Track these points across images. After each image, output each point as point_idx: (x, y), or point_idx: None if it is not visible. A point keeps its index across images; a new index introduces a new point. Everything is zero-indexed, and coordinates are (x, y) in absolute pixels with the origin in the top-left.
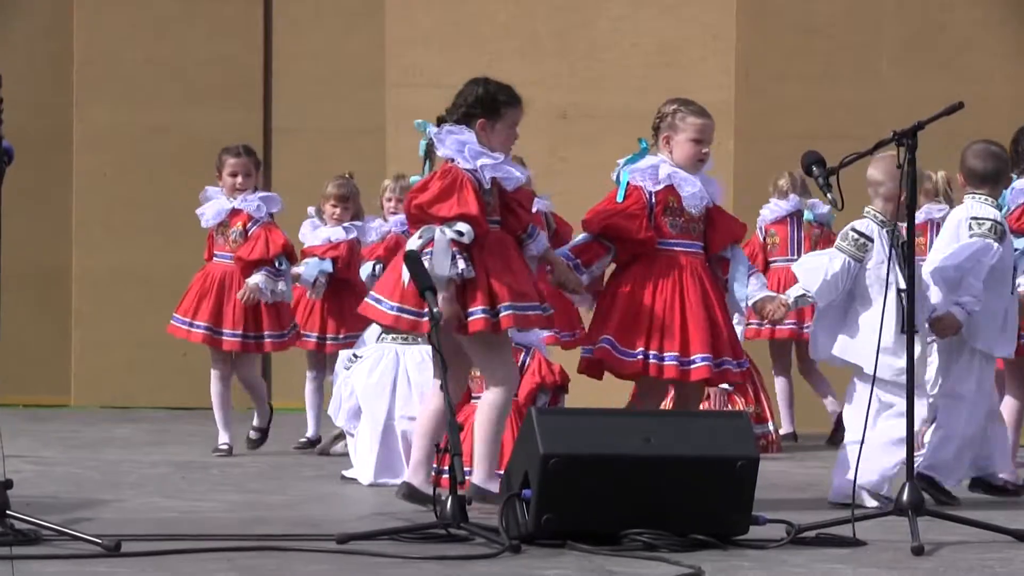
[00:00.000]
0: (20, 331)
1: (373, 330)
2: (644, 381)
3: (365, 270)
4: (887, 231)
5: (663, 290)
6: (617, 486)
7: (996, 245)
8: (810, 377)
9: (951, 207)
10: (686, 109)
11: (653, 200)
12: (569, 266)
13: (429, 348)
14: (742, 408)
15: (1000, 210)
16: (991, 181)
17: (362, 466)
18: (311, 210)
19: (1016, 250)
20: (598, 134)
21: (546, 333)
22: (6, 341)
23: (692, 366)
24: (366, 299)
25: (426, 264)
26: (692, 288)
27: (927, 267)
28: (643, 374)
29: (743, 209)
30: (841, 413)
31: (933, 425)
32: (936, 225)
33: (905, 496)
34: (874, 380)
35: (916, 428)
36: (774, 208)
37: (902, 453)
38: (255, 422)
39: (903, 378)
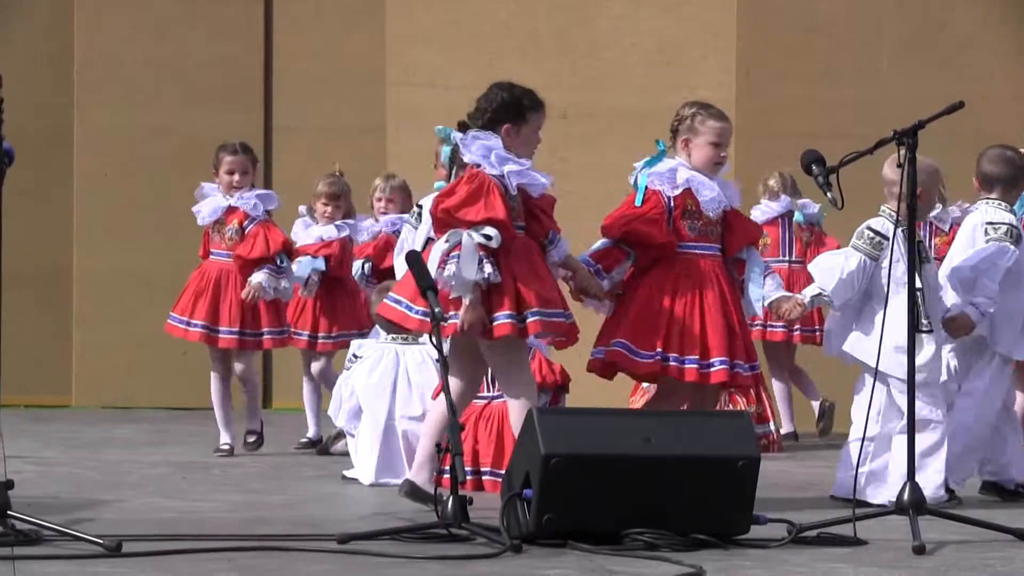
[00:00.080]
0: (21, 332)
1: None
2: (665, 383)
3: (355, 269)
4: (902, 230)
5: (682, 293)
6: (618, 486)
7: (1012, 248)
8: (795, 377)
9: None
10: (705, 112)
11: (672, 204)
12: (590, 272)
13: (429, 348)
14: (743, 408)
15: (1015, 215)
16: (1006, 185)
17: (363, 466)
18: (302, 209)
19: None
20: (598, 133)
21: None
22: (7, 342)
23: (711, 369)
24: (386, 301)
25: (453, 268)
26: (711, 291)
27: (943, 270)
28: (661, 375)
29: (744, 208)
30: (823, 401)
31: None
32: (933, 226)
33: (906, 495)
34: (875, 378)
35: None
36: (765, 209)
37: (938, 462)
38: (249, 425)
39: (917, 376)
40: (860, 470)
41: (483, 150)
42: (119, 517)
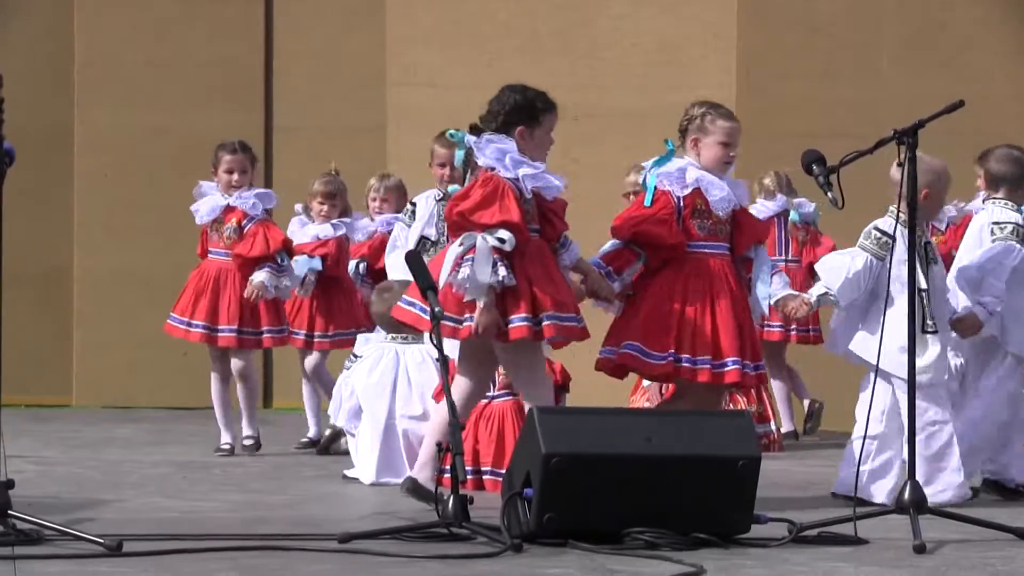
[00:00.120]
0: (21, 331)
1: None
2: (680, 382)
3: (351, 268)
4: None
5: (694, 293)
6: (619, 485)
7: (1019, 247)
8: (782, 376)
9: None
10: (715, 112)
11: (681, 204)
12: (601, 274)
13: (429, 347)
14: (744, 407)
15: (1022, 214)
16: (1012, 185)
17: (363, 466)
18: (298, 207)
19: None
20: (599, 133)
21: None
22: (7, 341)
23: (724, 369)
24: (400, 304)
25: (467, 271)
26: (721, 291)
27: (951, 271)
28: (674, 376)
29: None
30: (812, 402)
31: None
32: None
33: (907, 494)
34: (875, 376)
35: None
36: (760, 208)
37: (954, 461)
38: (247, 430)
39: (922, 377)
40: (862, 468)
41: (497, 153)
42: (120, 517)
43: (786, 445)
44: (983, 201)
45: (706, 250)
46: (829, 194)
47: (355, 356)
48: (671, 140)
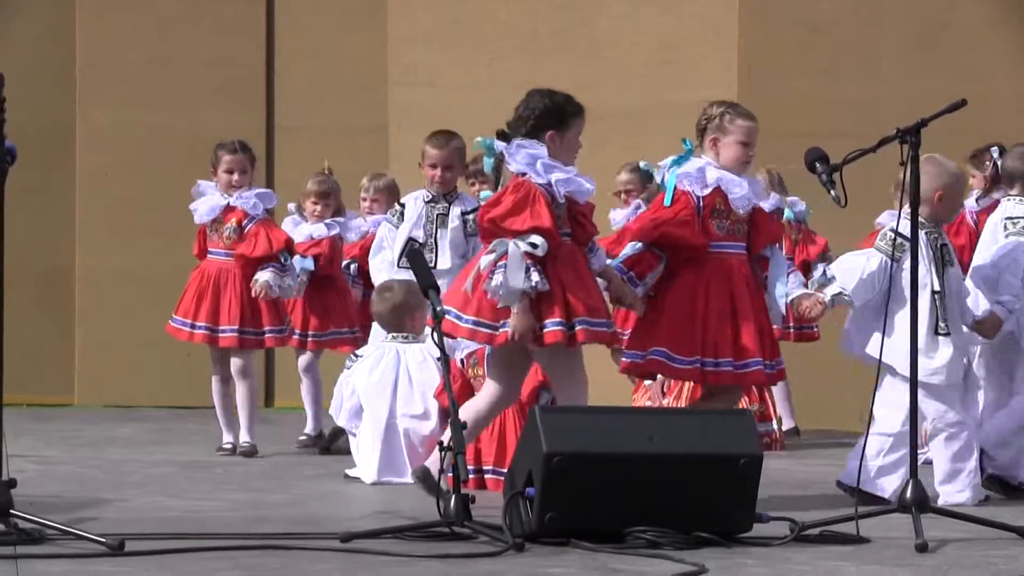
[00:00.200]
0: (23, 331)
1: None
2: (705, 385)
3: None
4: (925, 232)
5: (715, 295)
6: (621, 484)
7: None
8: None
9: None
10: (734, 112)
11: (701, 204)
12: (623, 280)
13: (430, 346)
14: (745, 406)
15: None
16: None
17: (365, 465)
18: (292, 207)
19: None
20: (599, 133)
21: None
22: (9, 341)
23: (746, 370)
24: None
25: (500, 277)
26: (741, 291)
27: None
28: (701, 381)
29: None
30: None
31: (930, 425)
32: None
33: (908, 493)
34: (877, 374)
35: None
36: None
37: (972, 463)
38: (245, 436)
39: (934, 379)
40: (874, 463)
41: (528, 158)
42: (122, 516)
43: (788, 443)
44: (976, 200)
45: (725, 250)
46: (832, 192)
47: (356, 355)
48: (689, 139)
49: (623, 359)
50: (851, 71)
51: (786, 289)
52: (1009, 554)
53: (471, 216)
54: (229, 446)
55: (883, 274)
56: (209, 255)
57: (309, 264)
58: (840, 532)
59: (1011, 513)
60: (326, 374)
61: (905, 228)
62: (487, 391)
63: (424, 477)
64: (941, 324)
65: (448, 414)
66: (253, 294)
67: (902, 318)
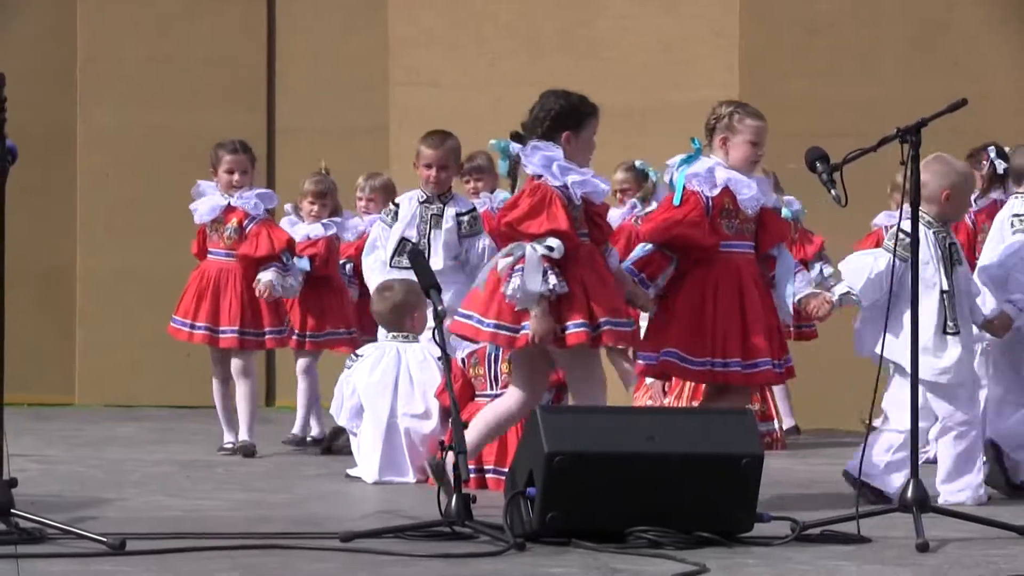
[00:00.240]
0: (24, 330)
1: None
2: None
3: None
4: (933, 232)
5: (725, 295)
6: (622, 484)
7: None
8: None
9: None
10: (743, 111)
11: (710, 204)
12: (635, 282)
13: (431, 346)
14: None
15: None
16: None
17: (366, 464)
18: (288, 207)
19: None
20: (600, 133)
21: None
22: (10, 340)
23: (755, 369)
24: (457, 317)
25: (517, 281)
26: (750, 290)
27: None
28: (713, 381)
29: None
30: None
31: (939, 424)
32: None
33: (909, 493)
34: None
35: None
36: None
37: (977, 463)
38: (244, 435)
39: (943, 378)
40: (884, 458)
41: (544, 160)
42: (122, 516)
43: (789, 442)
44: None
45: (734, 249)
46: (832, 192)
47: (356, 355)
48: (697, 139)
49: (638, 362)
50: (851, 71)
51: (794, 288)
52: (1009, 553)
53: (465, 217)
54: (230, 446)
55: (891, 274)
56: (209, 255)
57: (305, 264)
58: (841, 532)
59: (1011, 512)
60: (326, 373)
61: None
62: (512, 396)
63: (438, 466)
64: (950, 323)
65: (449, 413)
66: (257, 294)
67: (910, 317)
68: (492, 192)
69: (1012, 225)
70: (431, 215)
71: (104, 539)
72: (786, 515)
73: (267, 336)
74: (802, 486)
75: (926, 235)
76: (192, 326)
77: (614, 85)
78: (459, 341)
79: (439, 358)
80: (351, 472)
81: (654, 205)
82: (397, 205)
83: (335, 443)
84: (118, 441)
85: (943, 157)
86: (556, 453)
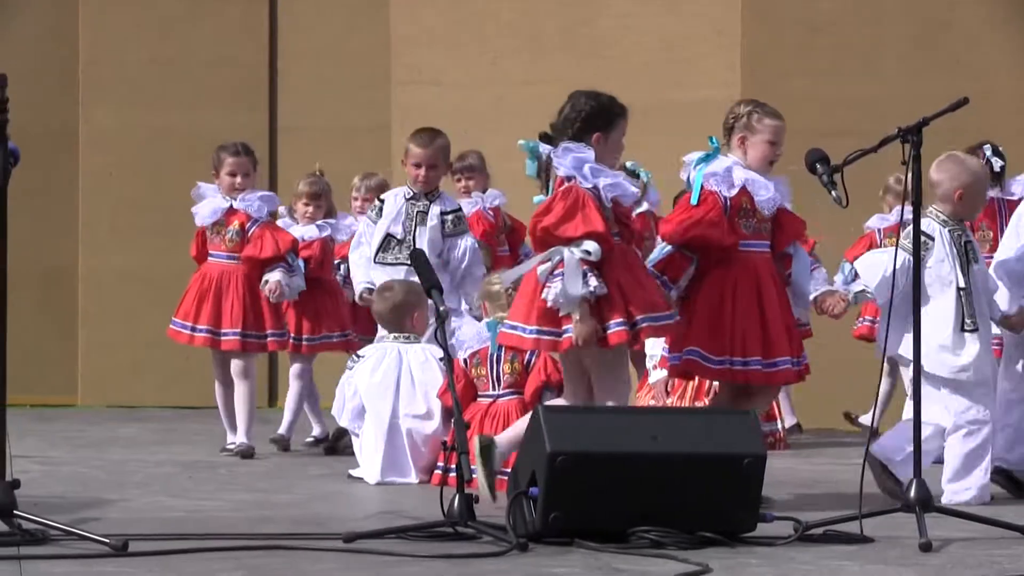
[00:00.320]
0: (26, 331)
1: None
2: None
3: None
4: (949, 230)
5: (743, 294)
6: (624, 484)
7: None
8: None
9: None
10: (762, 111)
11: (728, 204)
12: (658, 284)
13: (432, 346)
14: None
15: None
16: None
17: (368, 465)
18: (282, 209)
19: None
20: None
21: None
22: (12, 341)
23: (775, 368)
24: (503, 329)
25: (558, 286)
26: (769, 289)
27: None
28: (731, 381)
29: None
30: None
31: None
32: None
33: (912, 492)
34: (881, 368)
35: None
36: None
37: (985, 462)
38: (242, 436)
39: (961, 376)
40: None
41: (575, 162)
42: (125, 516)
43: (791, 442)
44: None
45: (752, 248)
46: (833, 193)
47: (358, 356)
48: (715, 138)
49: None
50: (853, 70)
51: (810, 287)
52: (1012, 553)
53: (450, 216)
54: (233, 446)
55: (905, 272)
56: (210, 258)
57: (300, 267)
58: (844, 531)
59: (1015, 512)
60: (325, 375)
61: (928, 227)
62: (561, 399)
63: (486, 450)
64: (968, 321)
65: (451, 414)
66: (266, 294)
67: (928, 315)
68: (484, 191)
69: None
70: (417, 212)
71: (107, 540)
72: (789, 515)
73: (269, 338)
74: (804, 486)
75: (941, 233)
76: (193, 329)
77: (616, 84)
78: (460, 341)
79: (441, 359)
80: (353, 473)
81: (645, 205)
82: (383, 201)
83: (338, 444)
84: (120, 442)
85: (956, 156)
86: (559, 453)
